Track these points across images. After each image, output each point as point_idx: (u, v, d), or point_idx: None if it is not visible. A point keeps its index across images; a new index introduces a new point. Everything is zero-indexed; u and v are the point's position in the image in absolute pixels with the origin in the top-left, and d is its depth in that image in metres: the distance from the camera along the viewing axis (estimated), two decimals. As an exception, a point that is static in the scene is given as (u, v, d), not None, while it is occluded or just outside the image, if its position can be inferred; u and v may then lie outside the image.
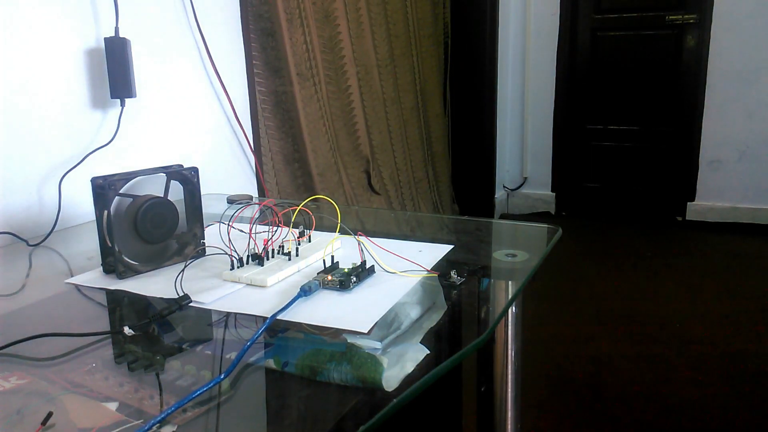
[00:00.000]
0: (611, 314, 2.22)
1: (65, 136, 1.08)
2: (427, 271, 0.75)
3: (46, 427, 0.45)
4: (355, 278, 0.70)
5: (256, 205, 1.22)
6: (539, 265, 0.78)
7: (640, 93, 3.31)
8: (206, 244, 0.83)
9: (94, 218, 0.75)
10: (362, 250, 0.78)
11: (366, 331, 0.59)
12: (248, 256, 0.77)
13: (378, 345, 0.57)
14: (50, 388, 0.52)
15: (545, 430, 1.52)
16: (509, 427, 0.88)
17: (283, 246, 0.81)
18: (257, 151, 1.61)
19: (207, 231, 0.85)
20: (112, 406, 0.48)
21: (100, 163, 1.12)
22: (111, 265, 0.76)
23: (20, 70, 1.00)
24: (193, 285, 0.72)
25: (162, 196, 0.79)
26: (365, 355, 0.55)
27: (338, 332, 0.60)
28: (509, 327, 0.88)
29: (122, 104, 1.14)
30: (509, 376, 0.89)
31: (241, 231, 0.84)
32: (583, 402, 1.65)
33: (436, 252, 0.84)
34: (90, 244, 0.86)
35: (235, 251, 0.76)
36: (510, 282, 0.78)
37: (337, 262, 0.76)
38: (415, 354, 0.55)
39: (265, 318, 0.62)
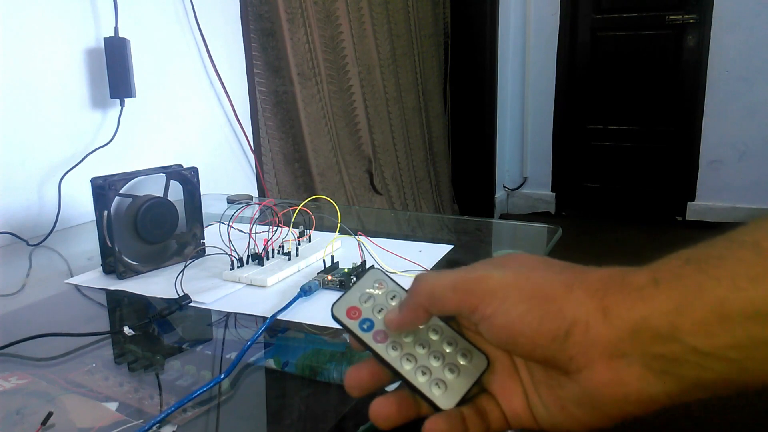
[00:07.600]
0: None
1: (65, 136, 1.08)
2: (427, 271, 0.75)
3: (46, 427, 0.45)
4: (355, 278, 0.70)
5: (256, 205, 1.22)
6: (539, 265, 0.78)
7: (640, 93, 3.30)
8: (206, 244, 0.83)
9: (94, 218, 0.75)
10: (362, 250, 0.78)
11: (366, 331, 0.59)
12: (248, 256, 0.77)
13: (378, 345, 0.57)
14: (50, 388, 0.52)
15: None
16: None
17: (283, 246, 0.81)
18: (257, 151, 1.61)
19: (207, 231, 0.85)
20: (112, 406, 0.48)
21: (100, 163, 1.12)
22: (111, 265, 0.76)
23: (20, 70, 1.00)
24: (193, 285, 0.72)
25: (162, 196, 0.79)
26: (365, 355, 0.55)
27: (338, 332, 0.60)
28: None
29: (122, 104, 1.14)
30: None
31: (241, 231, 0.84)
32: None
33: (436, 252, 0.84)
34: (90, 244, 0.86)
35: (235, 251, 0.76)
36: (510, 282, 0.78)
37: (337, 262, 0.76)
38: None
39: (265, 318, 0.62)
